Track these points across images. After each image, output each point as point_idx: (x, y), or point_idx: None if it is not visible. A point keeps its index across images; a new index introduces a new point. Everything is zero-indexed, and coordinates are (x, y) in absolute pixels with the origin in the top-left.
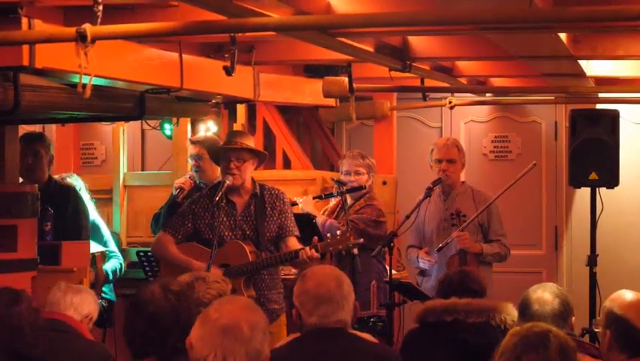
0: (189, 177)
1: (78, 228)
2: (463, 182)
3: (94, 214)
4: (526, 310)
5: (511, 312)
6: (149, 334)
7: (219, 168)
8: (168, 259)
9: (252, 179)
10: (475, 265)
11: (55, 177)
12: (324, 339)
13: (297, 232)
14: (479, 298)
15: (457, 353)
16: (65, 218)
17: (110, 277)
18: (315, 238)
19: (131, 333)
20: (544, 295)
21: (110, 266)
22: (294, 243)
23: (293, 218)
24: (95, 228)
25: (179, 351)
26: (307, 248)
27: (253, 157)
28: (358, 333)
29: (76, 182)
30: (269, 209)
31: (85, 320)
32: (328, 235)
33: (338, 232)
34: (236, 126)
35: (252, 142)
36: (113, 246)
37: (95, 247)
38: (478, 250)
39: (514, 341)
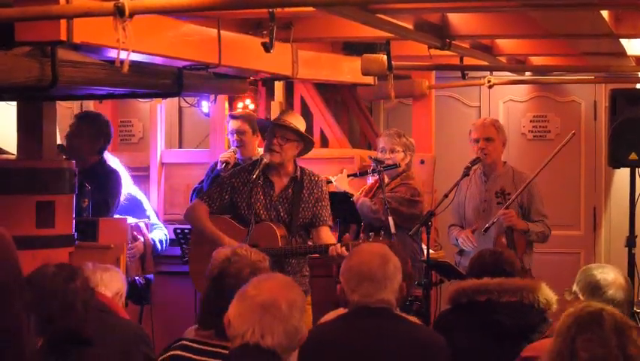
0: (233, 152)
1: (102, 202)
2: (504, 162)
3: (133, 189)
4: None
5: (545, 291)
6: (215, 305)
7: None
8: (200, 228)
9: (295, 162)
10: (524, 243)
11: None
12: (369, 318)
13: (330, 222)
14: (511, 278)
15: (491, 333)
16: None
17: (158, 247)
18: (347, 235)
19: (202, 300)
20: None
21: (156, 236)
22: (325, 233)
23: (329, 207)
24: (136, 203)
25: None
26: (338, 245)
27: (298, 140)
28: (404, 315)
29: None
30: (306, 195)
31: (116, 296)
32: (362, 235)
33: (371, 234)
34: (274, 104)
35: (302, 125)
36: (155, 218)
37: (133, 219)
38: (524, 227)
39: (568, 323)
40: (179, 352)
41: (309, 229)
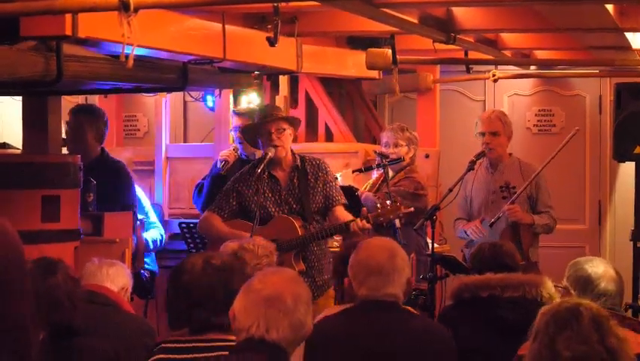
0: (233, 149)
1: (116, 204)
2: (510, 154)
3: None
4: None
5: (547, 286)
6: (178, 304)
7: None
8: (215, 235)
9: (292, 152)
10: (529, 237)
11: None
12: (377, 312)
13: (343, 200)
14: (514, 273)
15: (494, 329)
16: (107, 194)
17: (151, 246)
18: (365, 208)
19: (166, 301)
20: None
21: (150, 235)
22: (341, 212)
23: (338, 186)
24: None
25: (211, 326)
26: (358, 220)
27: (289, 125)
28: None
29: None
30: (312, 181)
31: (121, 291)
32: (378, 205)
33: (388, 202)
34: (279, 98)
35: (283, 110)
36: (153, 217)
37: None
38: (530, 221)
39: (545, 320)
40: (160, 356)
41: (325, 213)
